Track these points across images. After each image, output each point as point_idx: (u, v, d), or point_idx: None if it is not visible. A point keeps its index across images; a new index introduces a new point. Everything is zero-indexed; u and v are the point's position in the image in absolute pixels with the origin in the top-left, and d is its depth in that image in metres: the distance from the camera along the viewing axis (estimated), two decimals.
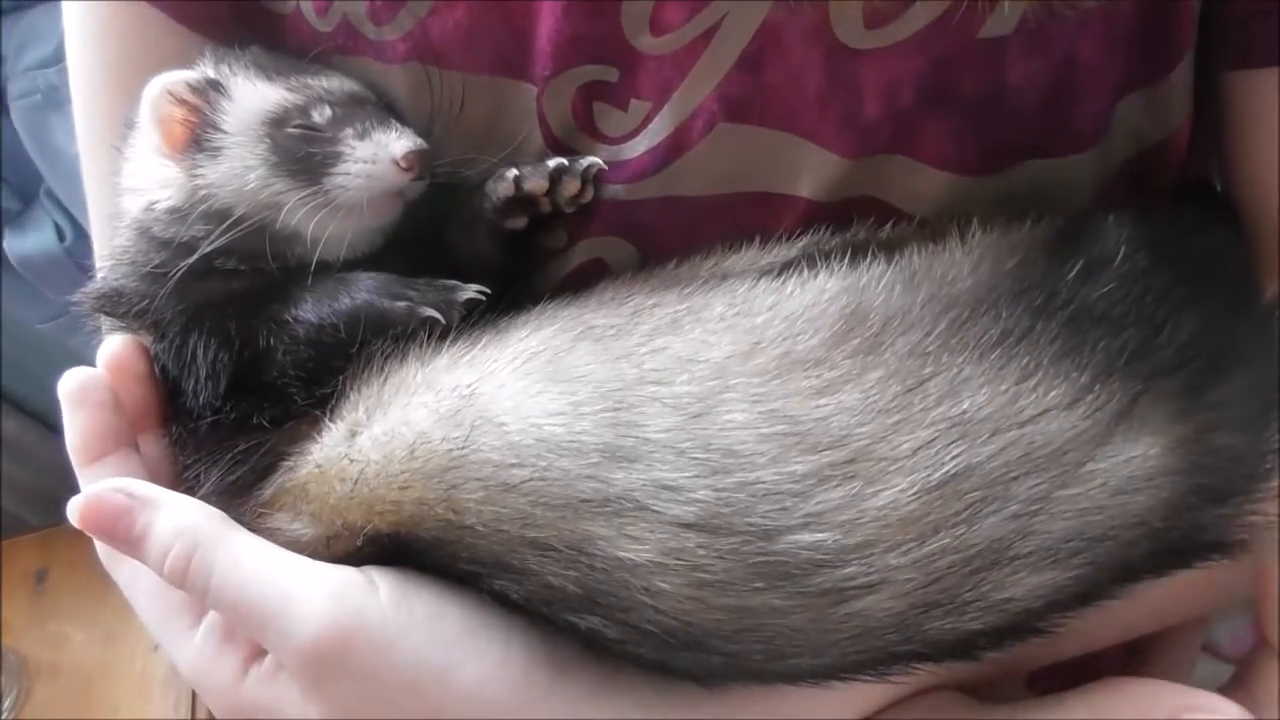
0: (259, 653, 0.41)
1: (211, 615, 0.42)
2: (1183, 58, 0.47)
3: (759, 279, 0.43)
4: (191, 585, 0.39)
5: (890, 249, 0.43)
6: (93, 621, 1.49)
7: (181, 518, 0.40)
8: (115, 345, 0.46)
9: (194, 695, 1.46)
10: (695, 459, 0.37)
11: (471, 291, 0.44)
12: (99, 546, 0.44)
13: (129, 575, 0.44)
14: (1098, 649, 0.47)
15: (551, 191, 0.47)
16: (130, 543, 0.40)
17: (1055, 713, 0.41)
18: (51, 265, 1.18)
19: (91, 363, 0.46)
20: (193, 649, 0.42)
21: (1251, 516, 0.40)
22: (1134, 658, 0.52)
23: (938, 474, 0.37)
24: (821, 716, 0.42)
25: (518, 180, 0.47)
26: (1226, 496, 0.39)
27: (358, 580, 0.39)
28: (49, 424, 1.35)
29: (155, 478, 0.45)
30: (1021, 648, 0.40)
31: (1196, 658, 0.56)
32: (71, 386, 0.45)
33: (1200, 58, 0.47)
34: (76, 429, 0.44)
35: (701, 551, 0.36)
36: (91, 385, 0.45)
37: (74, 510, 0.40)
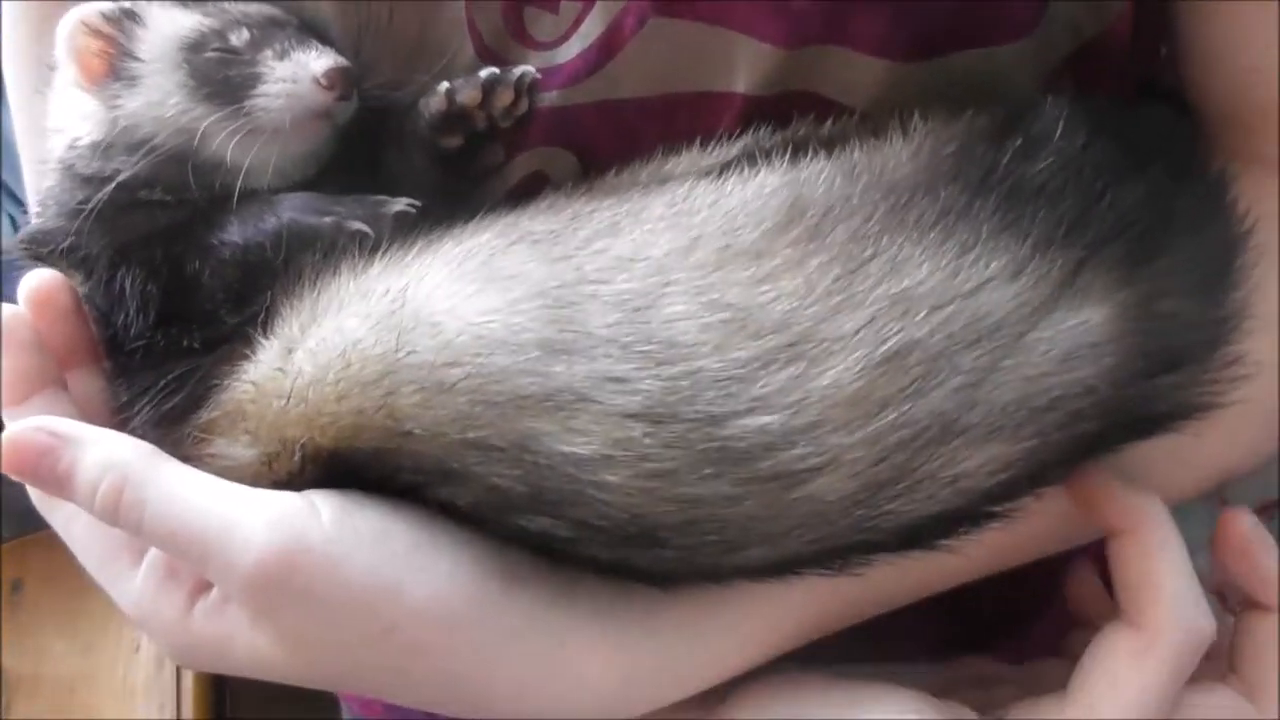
0: (204, 586, 0.40)
1: (152, 553, 0.41)
2: None
3: (699, 180, 0.42)
4: (124, 521, 0.38)
5: (831, 145, 0.43)
6: (72, 631, 1.47)
7: (108, 453, 0.38)
8: (37, 280, 0.45)
9: (178, 700, 1.44)
10: (639, 351, 0.36)
11: (401, 204, 0.43)
12: (33, 493, 0.42)
13: (64, 519, 0.42)
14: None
15: (486, 104, 0.46)
16: (56, 482, 0.39)
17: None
18: (4, 257, 1.15)
19: None
20: (135, 589, 0.41)
21: (1207, 384, 0.40)
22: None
23: (880, 350, 0.36)
24: (778, 620, 0.41)
25: (450, 94, 0.46)
26: (1178, 363, 0.39)
27: (298, 504, 0.38)
28: None
29: (89, 415, 0.44)
30: (976, 535, 0.39)
31: None
32: None
33: None
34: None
35: (648, 441, 0.36)
36: (12, 325, 0.43)
37: None
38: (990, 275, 0.37)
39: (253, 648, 0.39)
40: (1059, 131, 0.41)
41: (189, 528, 0.37)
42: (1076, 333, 0.37)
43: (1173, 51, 0.51)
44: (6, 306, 0.44)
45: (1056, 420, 0.37)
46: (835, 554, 0.38)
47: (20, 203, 1.11)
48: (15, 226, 1.15)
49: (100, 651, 1.45)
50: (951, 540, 0.39)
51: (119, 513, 0.38)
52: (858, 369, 0.36)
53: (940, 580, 0.45)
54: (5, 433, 0.39)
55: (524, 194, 0.48)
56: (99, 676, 1.45)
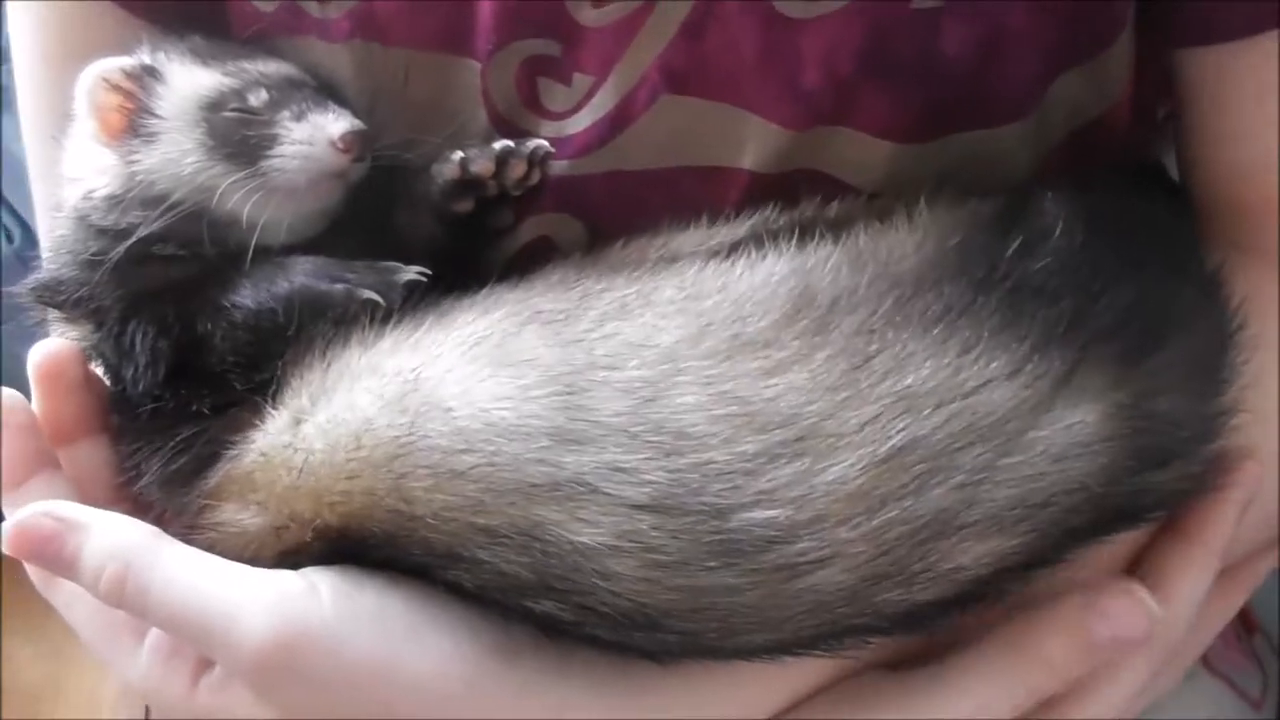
0: (207, 663, 0.40)
1: (154, 631, 0.41)
2: (1120, 32, 0.48)
3: (707, 261, 0.43)
4: (129, 606, 0.39)
5: (837, 228, 0.44)
6: (39, 639, 1.44)
7: (112, 538, 0.39)
8: (47, 351, 0.45)
9: (147, 714, 1.43)
10: (648, 442, 0.37)
11: (412, 273, 0.43)
12: (31, 571, 0.43)
13: (66, 598, 0.43)
14: None
15: (498, 174, 0.47)
16: (62, 567, 0.39)
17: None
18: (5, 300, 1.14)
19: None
20: (140, 666, 0.41)
21: (1191, 478, 0.41)
22: None
23: (884, 447, 0.37)
24: (774, 690, 0.42)
25: (464, 163, 0.47)
26: (1167, 460, 0.41)
27: (298, 586, 0.38)
28: None
29: (93, 487, 0.45)
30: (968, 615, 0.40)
31: None
32: None
33: (1154, 33, 0.48)
34: None
35: (655, 533, 0.36)
36: (8, 409, 0.44)
37: (4, 538, 0.39)
38: (991, 375, 0.38)
39: (257, 718, 0.39)
40: (1058, 230, 0.42)
41: (192, 612, 0.38)
42: (1072, 432, 0.38)
43: (1178, 140, 0.52)
44: (6, 391, 0.44)
45: (1051, 516, 0.38)
46: (833, 638, 0.39)
47: (17, 215, 1.10)
48: (9, 239, 1.13)
49: (68, 664, 1.43)
50: (944, 622, 0.40)
51: (124, 598, 0.38)
52: (861, 465, 0.37)
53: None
54: (12, 518, 0.39)
55: (530, 258, 0.49)
56: (66, 689, 1.43)
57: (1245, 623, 0.75)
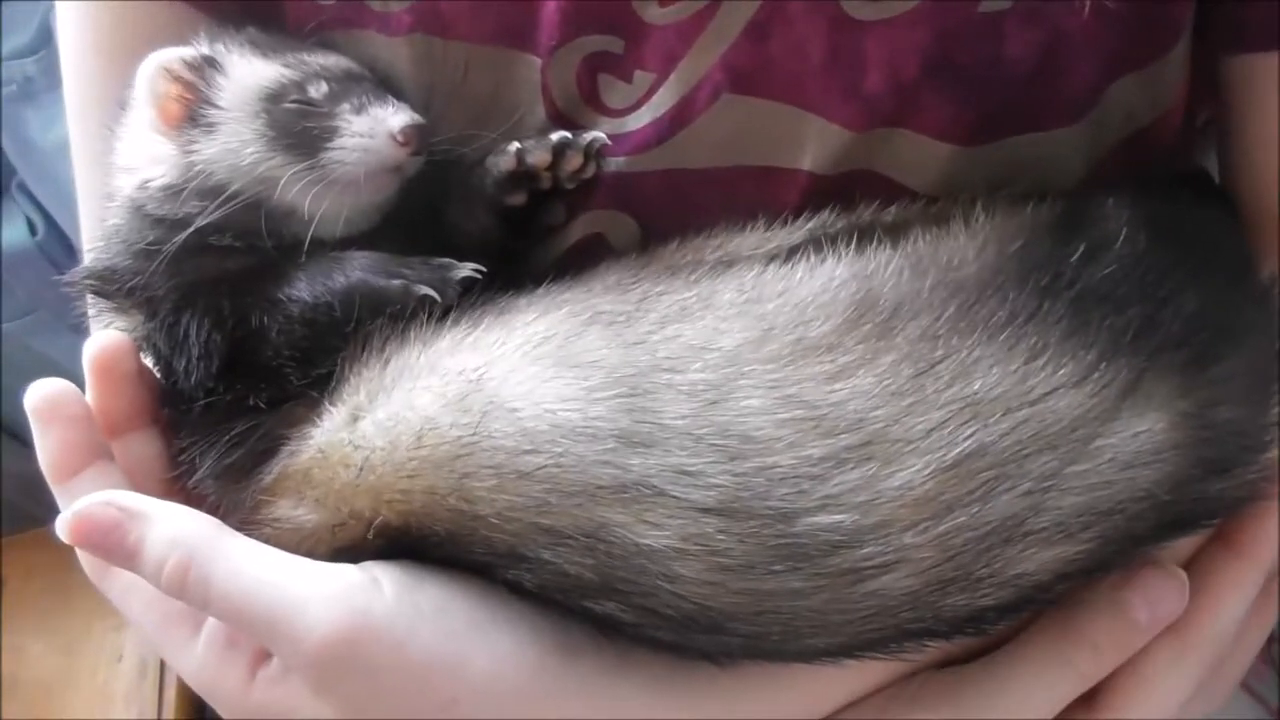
0: (264, 655, 0.40)
1: (211, 622, 0.41)
2: (1179, 39, 0.47)
3: (766, 265, 0.43)
4: (191, 597, 0.38)
5: (895, 233, 0.44)
6: (52, 632, 1.44)
7: (174, 528, 0.39)
8: (101, 343, 0.45)
9: (159, 707, 1.43)
10: (713, 445, 0.37)
11: (468, 270, 0.43)
12: (85, 560, 0.43)
13: (122, 588, 0.43)
14: None
15: (554, 166, 0.47)
16: (124, 557, 0.39)
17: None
18: (22, 259, 1.14)
19: (56, 366, 0.45)
20: (196, 658, 0.41)
21: (1248, 486, 0.41)
22: None
23: (952, 454, 0.37)
24: (831, 691, 0.42)
25: (520, 154, 0.47)
26: (1228, 468, 0.40)
27: (361, 579, 0.38)
28: (4, 430, 1.31)
29: (146, 478, 0.45)
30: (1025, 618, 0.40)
31: None
32: (40, 401, 0.43)
33: (1202, 40, 0.48)
34: (49, 446, 0.43)
35: (721, 536, 0.36)
36: (62, 399, 0.43)
37: (64, 527, 0.39)
38: (1058, 382, 0.38)
39: (315, 716, 0.39)
40: (1122, 236, 0.42)
41: (254, 604, 0.37)
42: (1139, 440, 0.38)
43: (1222, 147, 0.52)
44: (53, 382, 0.43)
45: (1116, 523, 0.38)
46: (892, 641, 0.39)
47: (41, 208, 1.10)
48: (32, 229, 1.13)
49: (81, 654, 1.42)
50: (1004, 624, 0.40)
51: (185, 588, 0.38)
52: (928, 471, 0.37)
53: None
54: (75, 507, 0.39)
55: (582, 254, 0.49)
56: (78, 681, 1.43)
57: None
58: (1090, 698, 0.43)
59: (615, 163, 0.48)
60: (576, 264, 0.47)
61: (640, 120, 0.47)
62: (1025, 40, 0.45)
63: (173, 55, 0.47)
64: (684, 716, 0.40)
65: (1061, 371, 0.38)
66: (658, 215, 0.48)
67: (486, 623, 0.39)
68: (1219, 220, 0.48)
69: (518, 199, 0.48)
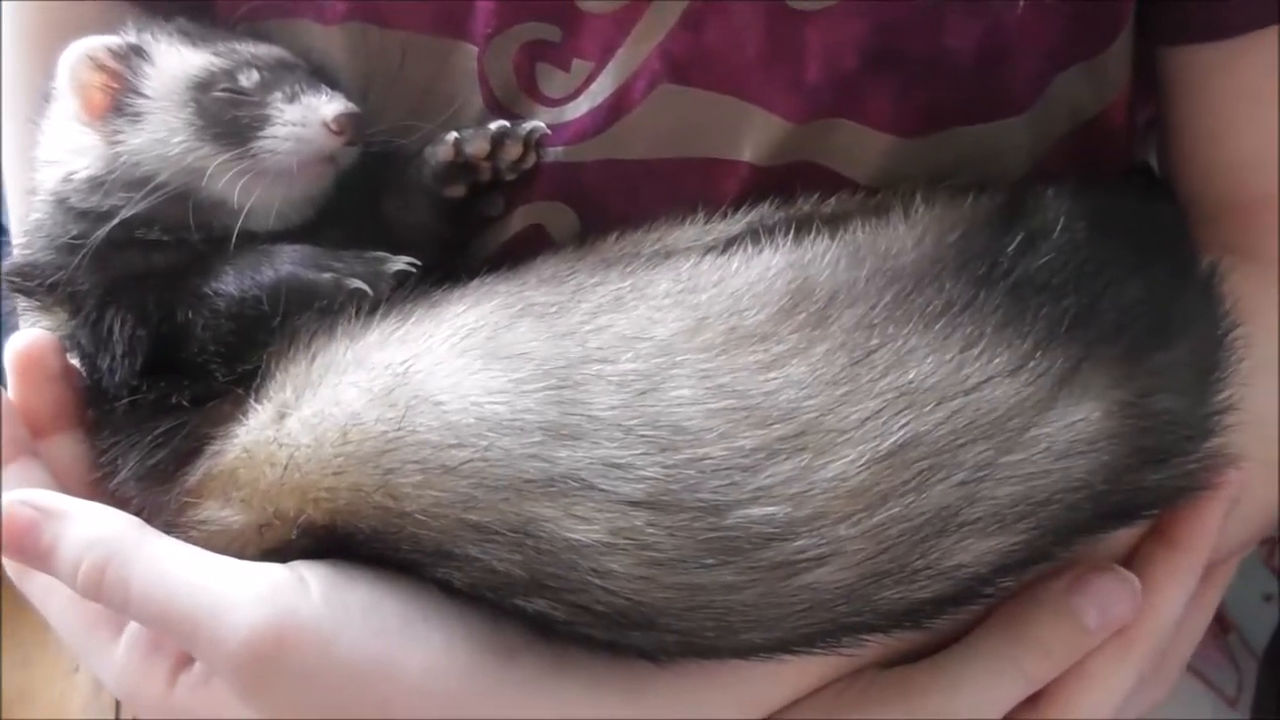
0: (186, 659, 0.39)
1: (133, 625, 0.40)
2: (1122, 30, 0.47)
3: (703, 255, 0.42)
4: (108, 598, 0.37)
5: (834, 224, 0.43)
6: (8, 647, 1.42)
7: (93, 528, 0.38)
8: (26, 341, 0.44)
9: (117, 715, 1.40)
10: (643, 436, 0.36)
11: (401, 264, 0.42)
12: (6, 562, 0.41)
13: (41, 590, 0.41)
14: None
15: (493, 156, 0.46)
16: (39, 557, 0.38)
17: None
18: None
19: None
20: (116, 662, 0.40)
21: (1187, 475, 0.41)
22: None
23: (886, 444, 0.36)
24: (773, 688, 0.41)
25: (458, 144, 0.46)
26: (1166, 458, 0.40)
27: (288, 579, 0.37)
28: None
29: (69, 481, 0.43)
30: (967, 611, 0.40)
31: None
32: None
33: (1143, 33, 0.48)
34: None
35: (651, 530, 0.36)
36: None
37: None
38: (993, 372, 0.38)
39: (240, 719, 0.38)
40: (1060, 226, 0.41)
41: (175, 606, 0.36)
42: (1075, 429, 0.38)
43: (1163, 142, 0.52)
44: None
45: (1053, 513, 0.38)
46: (831, 636, 0.39)
47: None
48: None
49: (36, 668, 1.40)
50: (940, 619, 0.40)
51: (102, 589, 0.37)
52: (862, 462, 0.36)
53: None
54: None
55: (521, 246, 0.48)
56: (34, 694, 1.41)
57: (1220, 622, 0.76)
58: (1034, 697, 0.42)
59: (554, 153, 0.47)
60: (515, 256, 0.46)
61: (579, 110, 0.47)
62: (965, 32, 0.45)
63: (97, 43, 0.46)
64: (622, 716, 0.39)
65: (997, 360, 0.38)
66: (597, 207, 0.48)
67: (419, 621, 0.38)
68: (1162, 212, 0.48)
69: (456, 191, 0.48)
